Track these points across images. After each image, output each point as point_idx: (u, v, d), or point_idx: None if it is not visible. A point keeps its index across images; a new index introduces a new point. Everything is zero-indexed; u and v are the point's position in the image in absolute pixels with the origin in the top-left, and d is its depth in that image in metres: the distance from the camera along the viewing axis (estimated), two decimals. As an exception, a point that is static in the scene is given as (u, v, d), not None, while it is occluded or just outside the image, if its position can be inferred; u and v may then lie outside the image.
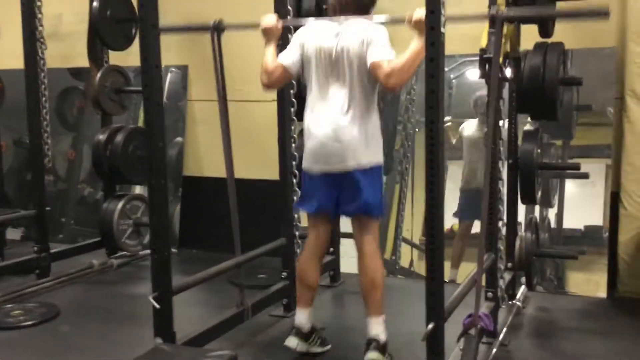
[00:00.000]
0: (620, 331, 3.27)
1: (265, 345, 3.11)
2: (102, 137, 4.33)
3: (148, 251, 4.52)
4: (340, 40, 2.72)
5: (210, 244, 4.65)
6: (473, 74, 4.44)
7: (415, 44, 2.56)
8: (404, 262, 5.13)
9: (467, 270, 4.45)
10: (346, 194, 2.78)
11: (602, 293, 3.78)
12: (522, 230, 3.62)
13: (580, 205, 4.49)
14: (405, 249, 5.11)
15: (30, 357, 3.06)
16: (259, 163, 4.40)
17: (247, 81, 4.13)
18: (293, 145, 3.44)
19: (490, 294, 3.04)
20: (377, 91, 2.79)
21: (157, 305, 2.51)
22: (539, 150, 3.46)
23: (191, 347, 2.48)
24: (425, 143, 2.33)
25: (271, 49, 2.88)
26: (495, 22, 2.45)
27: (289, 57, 2.82)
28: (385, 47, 2.64)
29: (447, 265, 4.30)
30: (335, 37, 2.73)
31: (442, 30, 2.25)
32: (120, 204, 4.33)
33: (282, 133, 3.42)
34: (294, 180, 3.44)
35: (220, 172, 3.15)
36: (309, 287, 2.93)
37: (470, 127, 4.64)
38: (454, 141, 4.64)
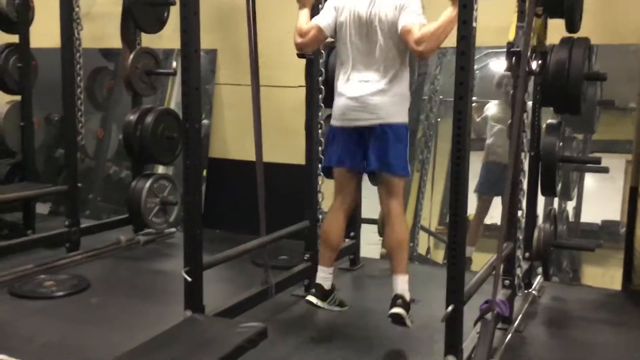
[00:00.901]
0: (633, 323, 3.33)
1: (287, 322, 3.22)
2: (132, 117, 4.44)
3: (173, 229, 4.69)
4: (373, 5, 2.82)
5: (233, 225, 4.76)
6: (496, 65, 4.49)
7: (448, 12, 2.65)
8: (421, 250, 5.22)
9: (483, 256, 4.54)
10: (373, 149, 2.88)
11: (617, 286, 3.84)
12: (540, 222, 3.70)
13: (599, 199, 4.53)
14: (422, 236, 5.20)
15: (63, 325, 3.19)
16: (284, 147, 4.50)
17: (275, 66, 4.24)
18: (320, 131, 3.53)
19: (507, 282, 3.13)
20: (408, 55, 2.89)
21: (189, 279, 2.62)
22: (560, 144, 3.52)
23: (222, 318, 2.58)
24: (452, 134, 2.40)
25: (305, 12, 3.00)
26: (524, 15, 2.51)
27: (324, 19, 2.94)
28: (417, 14, 2.75)
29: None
30: (369, 2, 2.84)
31: (474, 24, 2.32)
32: (148, 183, 4.45)
33: (310, 119, 3.51)
34: (319, 165, 3.53)
35: (244, 155, 3.25)
36: (331, 247, 3.05)
37: (494, 107, 4.67)
38: (477, 119, 4.69)
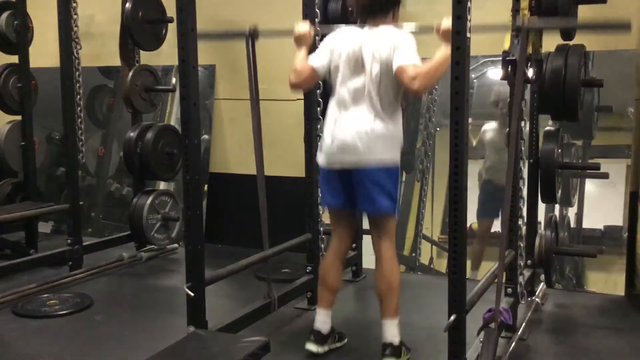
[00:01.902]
0: (637, 328, 3.33)
1: (291, 335, 3.22)
2: (132, 134, 4.46)
3: (176, 245, 4.70)
4: (369, 46, 2.80)
5: (236, 239, 4.78)
6: (494, 73, 4.52)
7: (442, 51, 2.65)
8: (424, 259, 5.21)
9: (485, 265, 4.54)
10: (361, 191, 2.84)
11: (621, 292, 3.84)
12: (542, 229, 3.70)
13: (600, 205, 4.53)
14: (425, 246, 5.20)
15: (66, 344, 3.19)
16: (284, 160, 4.52)
17: (273, 80, 4.25)
18: (319, 143, 3.54)
19: (510, 290, 3.13)
20: (402, 94, 2.87)
21: (192, 294, 2.62)
22: (559, 150, 3.53)
23: (225, 333, 2.59)
24: (450, 144, 2.41)
25: (302, 53, 2.99)
26: (520, 32, 2.54)
27: (318, 60, 2.92)
28: (411, 53, 2.72)
29: (467, 265, 4.39)
30: (365, 43, 2.81)
31: (468, 35, 2.34)
32: (149, 199, 4.46)
33: (309, 131, 3.53)
34: (320, 178, 3.54)
35: (245, 169, 3.27)
36: (330, 289, 3.01)
37: (491, 130, 4.71)
38: (474, 143, 4.71)
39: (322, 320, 2.99)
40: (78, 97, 4.62)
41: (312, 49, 3.07)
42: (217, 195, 5.03)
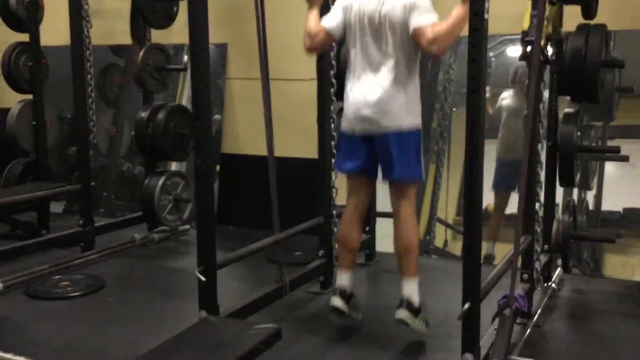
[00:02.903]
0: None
1: (303, 319, 3.19)
2: (144, 114, 4.42)
3: (187, 226, 4.67)
4: (382, 5, 2.74)
5: (248, 221, 4.75)
6: (512, 51, 4.41)
7: (459, 9, 2.59)
8: (438, 242, 5.17)
9: (502, 247, 4.48)
10: (385, 157, 2.83)
11: (639, 277, 3.78)
12: (559, 213, 3.63)
13: (620, 186, 4.46)
14: (439, 228, 5.15)
15: (79, 326, 3.18)
16: (297, 141, 4.46)
17: (285, 59, 4.19)
18: (332, 125, 3.48)
19: (525, 276, 3.08)
20: (419, 55, 2.83)
21: (203, 279, 2.59)
22: (579, 133, 3.45)
23: (237, 320, 2.56)
24: (465, 128, 2.34)
25: (314, 13, 2.94)
26: (537, 3, 2.45)
27: (332, 21, 2.87)
28: (427, 13, 2.67)
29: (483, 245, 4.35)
30: (378, 2, 2.76)
31: (486, 16, 2.26)
32: (161, 181, 4.43)
33: (322, 113, 3.46)
34: (333, 160, 3.49)
35: (257, 149, 3.22)
36: (350, 250, 3.01)
37: (509, 98, 4.61)
38: (491, 112, 4.62)
39: (345, 279, 2.99)
40: (89, 76, 4.59)
41: (324, 9, 3.01)
42: (228, 176, 4.98)
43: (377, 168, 2.92)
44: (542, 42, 2.92)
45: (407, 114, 2.78)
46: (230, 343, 1.92)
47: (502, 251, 4.54)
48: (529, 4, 2.95)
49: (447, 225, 5.12)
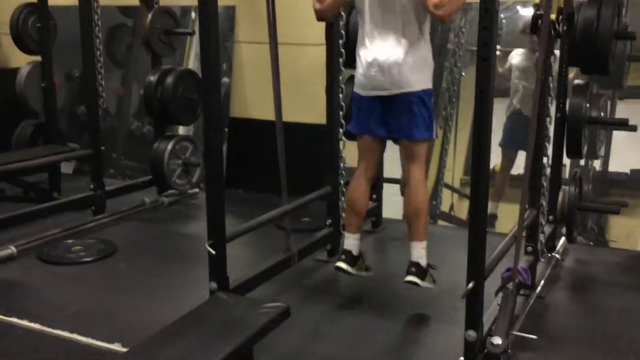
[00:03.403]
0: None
1: (310, 288, 3.26)
2: (153, 78, 4.41)
3: (196, 189, 4.72)
4: None
5: (256, 185, 4.79)
6: (524, 12, 4.36)
7: None
8: (445, 207, 5.21)
9: (506, 207, 4.51)
10: (396, 118, 2.87)
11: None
12: (566, 181, 3.64)
13: (628, 148, 4.44)
14: (446, 194, 5.18)
15: (92, 292, 3.27)
16: (305, 107, 4.45)
17: (295, 23, 4.16)
18: (340, 95, 3.49)
19: (529, 248, 3.12)
20: (429, 18, 2.84)
21: (213, 252, 2.64)
22: (587, 105, 3.44)
23: (247, 297, 2.62)
24: (475, 98, 2.31)
25: None
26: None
27: None
28: None
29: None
30: None
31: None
32: (170, 145, 4.46)
33: (330, 83, 3.46)
34: (340, 130, 3.51)
35: (266, 114, 3.23)
36: (357, 213, 3.05)
37: (518, 56, 4.57)
38: (501, 70, 4.59)
39: (352, 242, 3.04)
40: (97, 40, 4.57)
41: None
42: (237, 140, 5.00)
43: (387, 130, 2.95)
44: (554, 16, 2.91)
45: (417, 76, 2.81)
46: (240, 322, 1.99)
47: (505, 211, 4.59)
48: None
49: (454, 189, 5.15)
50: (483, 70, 2.25)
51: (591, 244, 4.11)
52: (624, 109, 4.29)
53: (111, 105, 5.60)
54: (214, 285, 2.67)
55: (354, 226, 3.06)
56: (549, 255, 3.45)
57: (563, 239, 3.65)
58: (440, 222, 4.69)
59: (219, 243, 2.68)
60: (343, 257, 3.03)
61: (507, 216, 4.55)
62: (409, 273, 2.90)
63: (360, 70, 2.91)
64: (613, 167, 5.38)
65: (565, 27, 3.11)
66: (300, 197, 3.47)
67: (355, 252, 3.04)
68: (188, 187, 4.66)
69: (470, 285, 2.30)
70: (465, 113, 4.91)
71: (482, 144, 2.28)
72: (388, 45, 2.81)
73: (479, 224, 2.30)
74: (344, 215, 3.38)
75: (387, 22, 2.82)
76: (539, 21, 2.89)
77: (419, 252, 2.92)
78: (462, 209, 5.17)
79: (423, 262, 2.91)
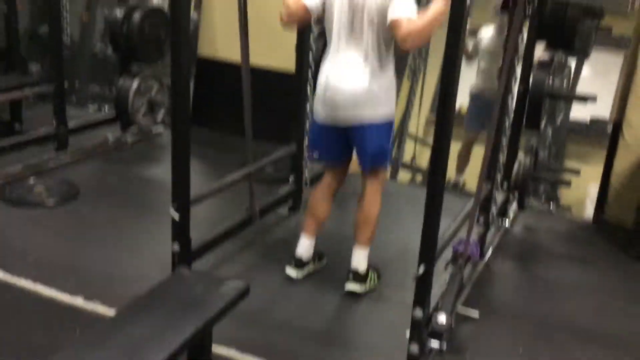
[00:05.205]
0: (599, 261, 3.51)
1: (271, 246, 3.37)
2: (119, 14, 4.31)
3: (160, 129, 4.71)
4: None
5: (222, 125, 4.79)
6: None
7: (438, 5, 2.52)
8: (407, 157, 5.34)
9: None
10: (357, 145, 2.89)
11: (596, 180, 3.96)
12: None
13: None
14: (408, 145, 5.30)
15: (54, 239, 3.30)
16: (274, 51, 4.39)
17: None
18: (311, 36, 3.47)
19: (481, 219, 3.26)
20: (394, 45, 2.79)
21: (177, 218, 2.70)
22: (550, 80, 3.51)
23: (209, 274, 2.70)
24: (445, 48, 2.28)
25: None
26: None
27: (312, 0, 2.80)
28: (406, 4, 2.61)
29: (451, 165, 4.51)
30: None
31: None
32: (135, 83, 4.41)
33: (300, 42, 3.45)
34: (308, 89, 3.53)
35: (234, 54, 3.17)
36: (317, 219, 3.08)
37: (487, 36, 4.63)
38: (469, 49, 4.63)
39: (305, 247, 3.08)
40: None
41: None
42: (204, 80, 4.95)
43: (351, 153, 2.97)
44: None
45: (379, 105, 2.78)
46: (199, 303, 2.08)
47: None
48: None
49: (417, 140, 5.27)
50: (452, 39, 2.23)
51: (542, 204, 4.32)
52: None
53: (75, 32, 5.46)
54: (176, 247, 2.75)
55: (310, 230, 3.08)
56: (499, 222, 3.60)
57: (514, 204, 3.81)
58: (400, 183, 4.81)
59: (183, 207, 2.74)
60: (293, 263, 3.07)
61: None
62: (348, 280, 2.96)
63: (321, 93, 2.85)
64: (575, 114, 5.53)
65: (535, 4, 3.15)
66: (265, 142, 3.51)
67: (305, 258, 3.08)
68: (152, 125, 4.64)
69: (421, 269, 2.42)
70: (434, 67, 4.97)
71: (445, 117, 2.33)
72: (351, 72, 2.75)
73: (433, 211, 2.39)
74: (304, 216, 3.32)
75: (354, 44, 2.74)
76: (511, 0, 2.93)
77: (359, 258, 2.96)
78: (424, 159, 5.32)
79: (362, 268, 2.96)
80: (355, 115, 2.79)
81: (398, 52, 2.86)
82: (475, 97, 4.62)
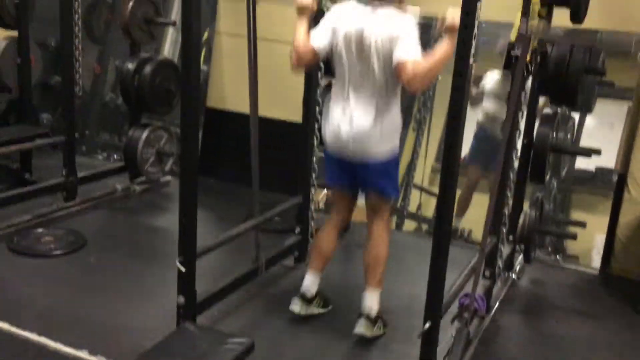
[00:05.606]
0: (605, 316, 3.47)
1: (276, 297, 3.35)
2: (130, 66, 4.41)
3: (168, 178, 4.76)
4: (370, 32, 2.75)
5: (228, 175, 4.83)
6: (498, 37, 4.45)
7: (444, 47, 2.59)
8: (412, 208, 5.34)
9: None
10: (362, 180, 2.97)
11: (602, 233, 3.95)
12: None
13: (595, 144, 4.53)
14: (414, 195, 5.31)
15: (61, 290, 3.30)
16: (282, 104, 4.46)
17: (275, 20, 4.14)
18: (317, 108, 3.54)
19: (487, 273, 3.25)
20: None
21: (183, 269, 2.72)
22: (554, 134, 3.55)
23: (214, 330, 2.69)
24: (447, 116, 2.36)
25: (304, 27, 2.92)
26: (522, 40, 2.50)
27: (320, 41, 2.87)
28: (412, 45, 2.67)
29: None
30: (366, 27, 2.76)
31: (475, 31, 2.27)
32: (145, 134, 4.48)
33: (307, 98, 3.54)
34: (315, 142, 3.58)
35: (242, 106, 3.26)
36: (323, 255, 3.12)
37: (492, 81, 4.69)
38: (473, 93, 4.70)
39: (310, 283, 3.10)
40: (76, 16, 4.51)
41: (314, 19, 3.00)
42: (212, 130, 5.02)
43: (356, 184, 3.04)
44: (527, 58, 2.99)
45: (384, 143, 2.84)
46: (205, 358, 2.08)
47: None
48: (519, 14, 2.99)
49: (422, 189, 5.28)
50: (457, 87, 2.29)
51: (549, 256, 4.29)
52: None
53: (87, 83, 5.56)
54: (181, 299, 2.76)
55: (316, 267, 3.12)
56: (506, 275, 3.59)
57: (520, 257, 3.79)
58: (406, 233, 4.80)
59: (189, 260, 2.76)
60: (297, 299, 3.09)
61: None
62: (358, 323, 2.95)
63: (328, 130, 2.93)
64: (580, 164, 5.54)
65: (537, 63, 3.21)
66: (271, 192, 3.58)
67: (309, 294, 3.09)
68: (160, 175, 4.69)
69: (427, 326, 2.42)
70: (438, 123, 5.02)
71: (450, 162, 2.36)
72: (357, 113, 2.81)
73: (438, 268, 2.41)
74: (310, 253, 3.41)
75: (360, 83, 2.81)
76: (513, 59, 2.99)
77: (371, 302, 2.96)
78: (429, 208, 5.33)
79: (373, 313, 2.96)
80: (361, 153, 2.86)
81: (405, 92, 2.91)
82: (477, 134, 4.65)
